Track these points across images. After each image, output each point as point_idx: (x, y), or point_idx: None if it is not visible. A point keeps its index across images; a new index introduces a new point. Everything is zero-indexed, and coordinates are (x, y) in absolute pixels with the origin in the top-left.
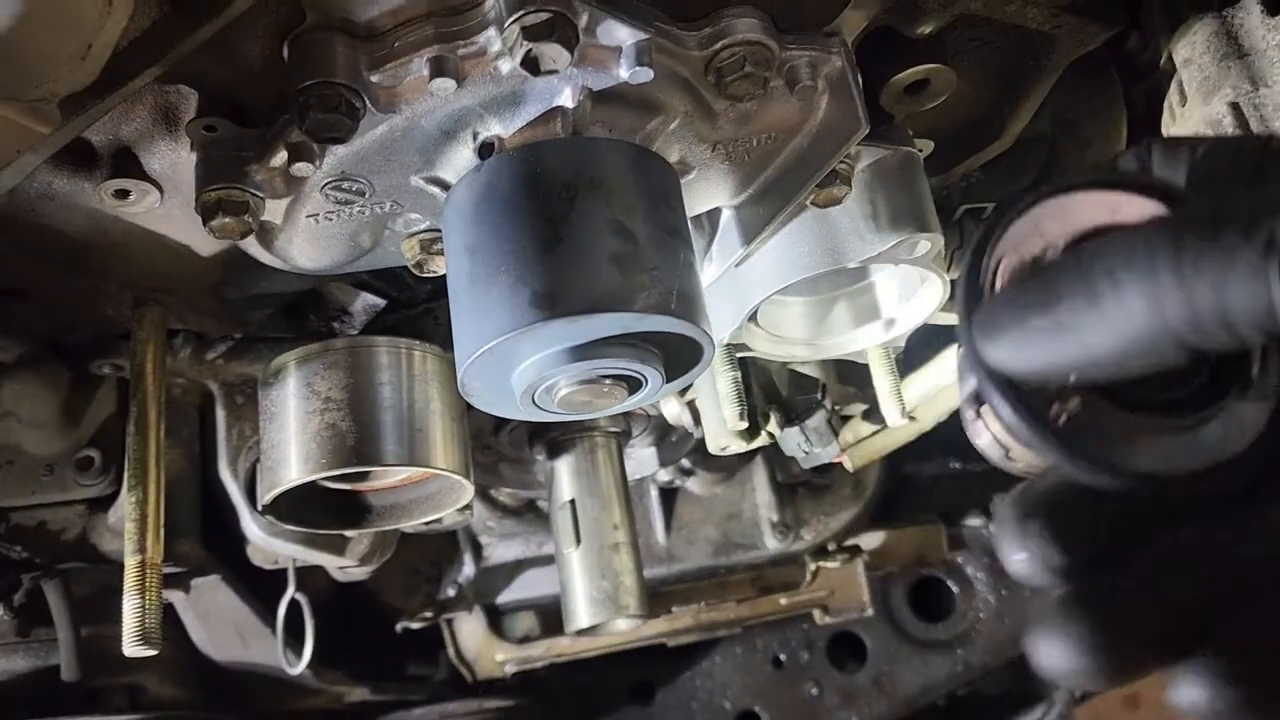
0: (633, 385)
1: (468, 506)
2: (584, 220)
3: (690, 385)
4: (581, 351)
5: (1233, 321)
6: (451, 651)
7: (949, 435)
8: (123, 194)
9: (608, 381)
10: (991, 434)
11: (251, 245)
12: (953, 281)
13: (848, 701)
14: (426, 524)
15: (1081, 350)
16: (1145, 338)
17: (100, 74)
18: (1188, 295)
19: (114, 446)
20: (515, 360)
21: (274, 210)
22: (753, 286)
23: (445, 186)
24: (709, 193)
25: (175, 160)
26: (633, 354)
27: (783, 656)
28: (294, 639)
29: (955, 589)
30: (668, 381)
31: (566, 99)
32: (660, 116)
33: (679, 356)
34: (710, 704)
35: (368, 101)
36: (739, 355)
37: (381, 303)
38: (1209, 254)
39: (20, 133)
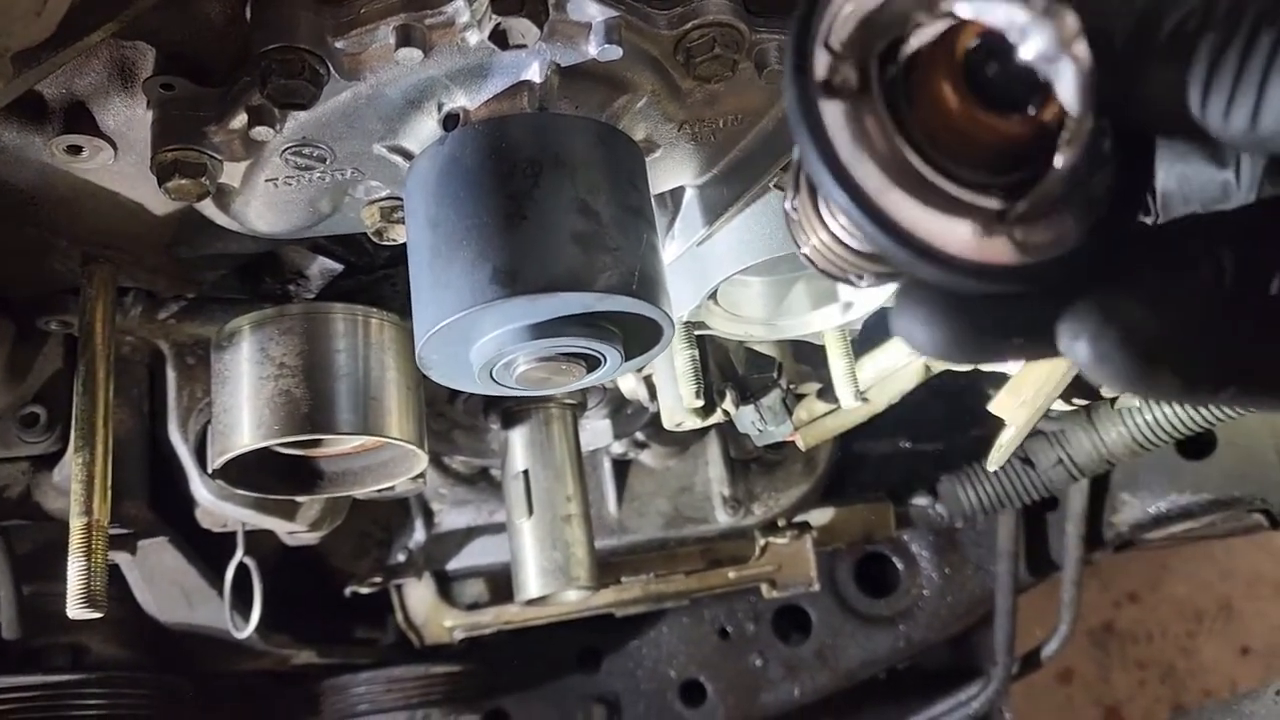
0: (591, 364)
1: (421, 474)
2: (547, 197)
3: None
4: (541, 329)
5: None
6: (400, 617)
7: (899, 416)
8: (75, 150)
9: (566, 359)
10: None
11: (208, 207)
12: None
13: (791, 673)
14: (379, 491)
15: None
16: None
17: (56, 28)
18: None
19: (60, 404)
20: (474, 335)
21: (232, 173)
22: (713, 266)
23: (408, 156)
24: (673, 171)
25: (130, 118)
26: (592, 333)
27: (729, 628)
28: (241, 602)
29: (900, 566)
30: (626, 360)
31: (534, 74)
32: (627, 95)
33: (638, 336)
34: (656, 672)
35: (331, 68)
36: (697, 333)
37: (339, 267)
38: None
39: None
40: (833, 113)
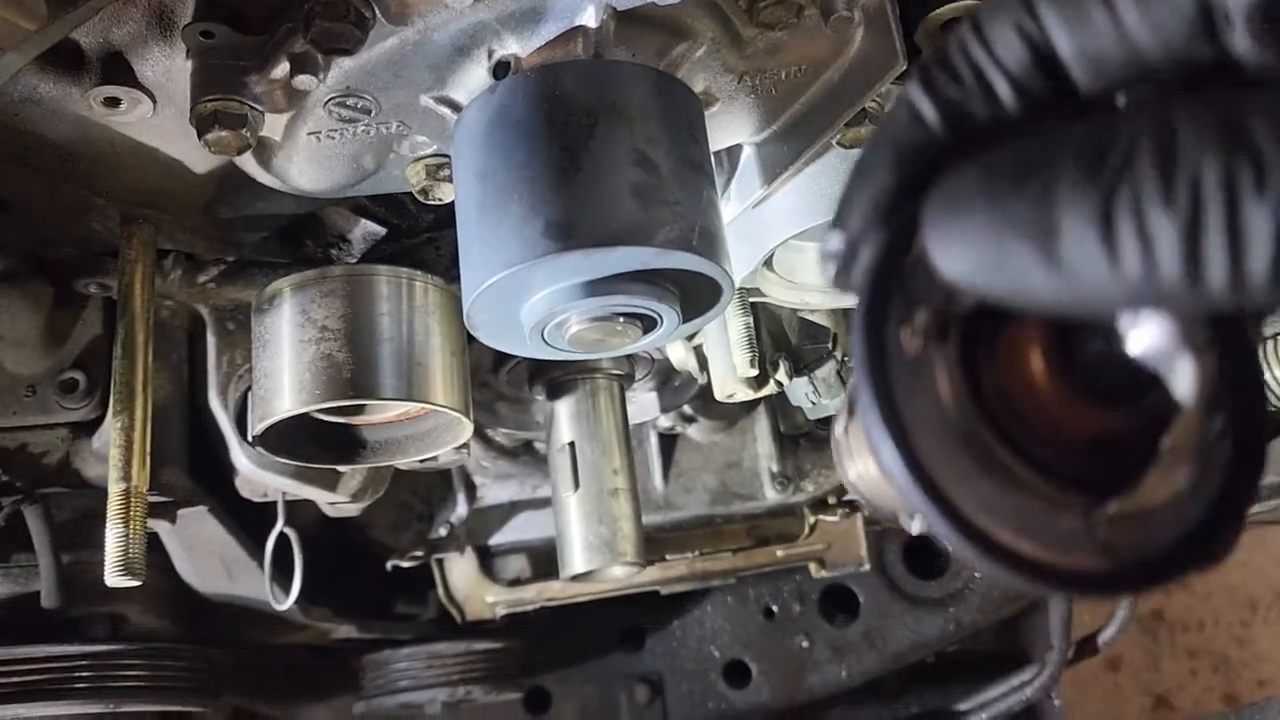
0: (647, 325)
1: (465, 445)
2: (604, 148)
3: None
4: (596, 287)
5: None
6: (441, 591)
7: None
8: (113, 102)
9: (622, 319)
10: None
11: (248, 162)
12: None
13: (838, 654)
14: (422, 461)
15: (1079, 293)
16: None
17: None
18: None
19: (99, 369)
20: (526, 294)
21: (273, 125)
22: (770, 229)
23: (456, 108)
24: (731, 127)
25: (170, 68)
26: (650, 291)
27: (775, 607)
28: (281, 574)
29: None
30: (684, 322)
31: (589, 18)
32: (687, 42)
33: (696, 296)
34: (700, 652)
35: (378, 11)
36: (751, 300)
37: (381, 230)
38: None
39: (4, 29)
40: (900, 359)
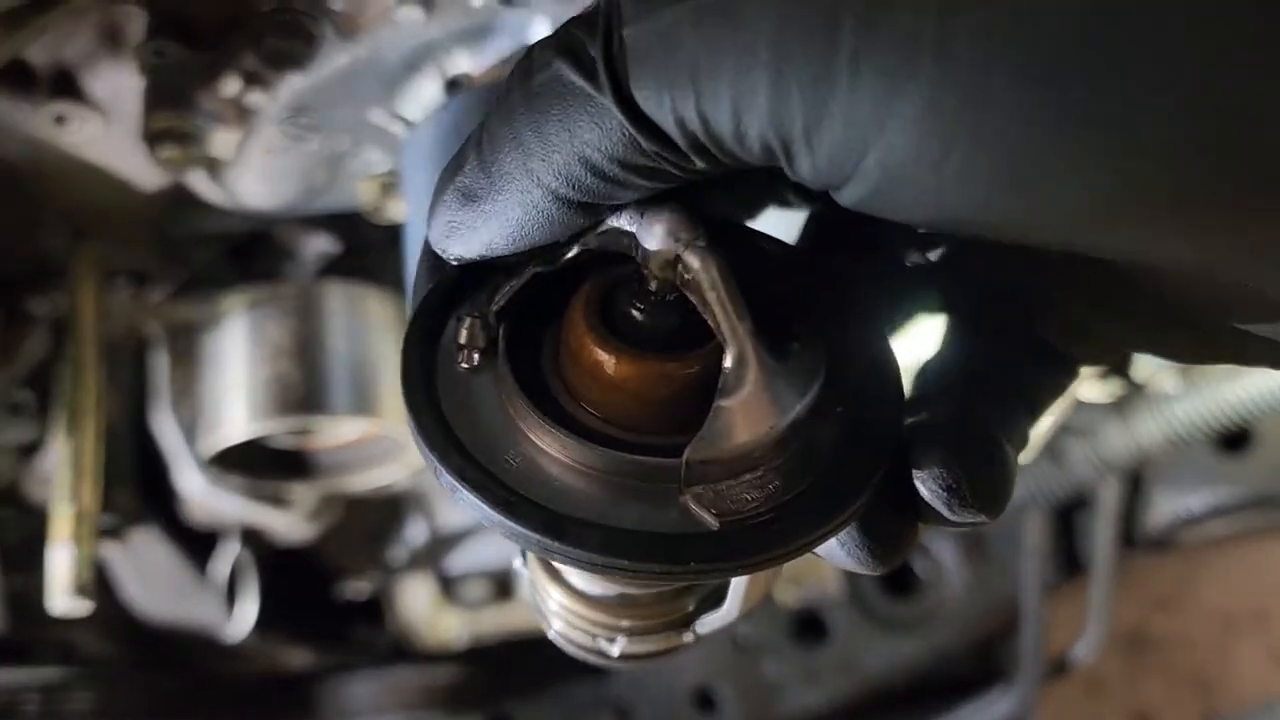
0: None
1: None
2: None
3: None
4: None
5: (598, 166)
6: (400, 618)
7: None
8: (63, 120)
9: None
10: None
11: (200, 182)
12: None
13: (809, 680)
14: (378, 484)
15: (499, 230)
16: (531, 208)
17: None
18: (547, 149)
19: (49, 390)
20: None
21: (224, 143)
22: None
23: (408, 124)
24: None
25: (120, 86)
26: None
27: (743, 633)
28: (235, 600)
29: (923, 569)
30: None
31: (539, 35)
32: None
33: None
34: (668, 679)
35: (328, 28)
36: None
37: (334, 249)
38: (550, 98)
39: None
40: (455, 393)
